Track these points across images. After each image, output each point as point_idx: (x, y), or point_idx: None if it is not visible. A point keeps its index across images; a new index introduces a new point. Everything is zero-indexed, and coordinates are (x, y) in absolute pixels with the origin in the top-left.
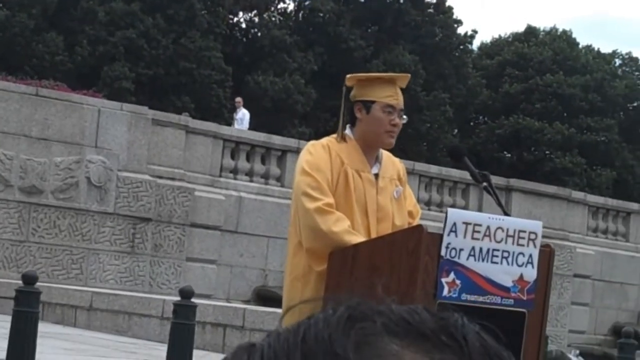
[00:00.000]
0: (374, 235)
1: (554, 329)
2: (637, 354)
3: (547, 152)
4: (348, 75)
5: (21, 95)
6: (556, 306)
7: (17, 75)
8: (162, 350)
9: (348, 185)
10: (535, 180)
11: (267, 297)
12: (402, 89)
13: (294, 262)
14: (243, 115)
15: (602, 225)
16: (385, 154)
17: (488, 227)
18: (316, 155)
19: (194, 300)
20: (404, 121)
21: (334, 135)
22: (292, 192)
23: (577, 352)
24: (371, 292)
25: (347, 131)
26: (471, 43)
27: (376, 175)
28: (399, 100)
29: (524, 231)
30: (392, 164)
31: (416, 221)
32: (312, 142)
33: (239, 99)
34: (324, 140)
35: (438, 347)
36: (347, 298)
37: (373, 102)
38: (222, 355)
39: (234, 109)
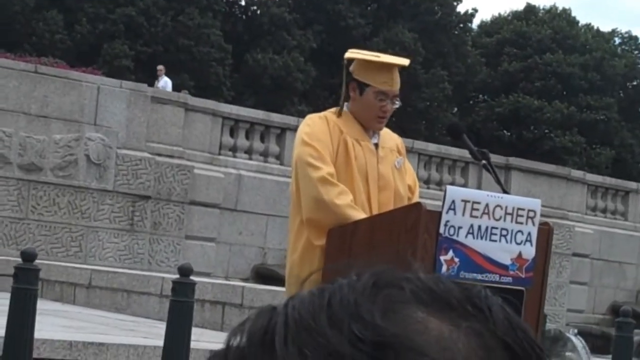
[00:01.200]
0: (375, 204)
1: (553, 308)
2: (635, 333)
3: (546, 130)
4: (348, 52)
5: (20, 73)
6: (555, 285)
7: (17, 52)
8: (161, 327)
9: (348, 154)
10: (534, 159)
11: (265, 275)
12: (401, 68)
13: (295, 239)
14: (165, 83)
15: (600, 204)
16: (382, 130)
17: (487, 205)
18: (314, 127)
19: (192, 278)
20: (397, 106)
21: (332, 110)
22: (291, 170)
23: (576, 331)
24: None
25: (344, 107)
26: (471, 21)
27: (376, 145)
28: (393, 86)
29: (523, 209)
30: (390, 137)
31: (415, 195)
32: (309, 115)
33: (160, 67)
34: (322, 113)
35: (463, 316)
36: (370, 264)
37: (367, 85)
38: (221, 333)
39: (234, 87)
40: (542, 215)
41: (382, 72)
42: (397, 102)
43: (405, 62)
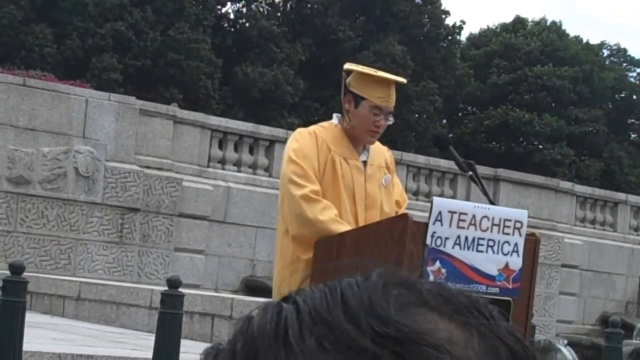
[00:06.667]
0: (361, 223)
1: (542, 319)
2: (624, 343)
3: (535, 143)
4: (347, 65)
5: (8, 85)
6: (544, 296)
7: (5, 66)
8: (150, 340)
9: (335, 172)
10: (524, 172)
11: (255, 287)
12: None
13: (282, 251)
14: None
15: (589, 215)
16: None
17: (474, 216)
18: (302, 142)
19: (181, 290)
20: (390, 122)
21: (322, 124)
22: (280, 182)
23: (565, 341)
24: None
25: (335, 120)
26: (459, 34)
27: (364, 163)
28: (389, 102)
29: (510, 220)
30: (379, 152)
31: (402, 210)
32: (299, 129)
33: None
34: (311, 127)
35: (470, 319)
36: (372, 264)
37: (363, 98)
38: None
39: (223, 100)
40: (531, 227)
41: (379, 87)
42: (390, 119)
43: (402, 80)
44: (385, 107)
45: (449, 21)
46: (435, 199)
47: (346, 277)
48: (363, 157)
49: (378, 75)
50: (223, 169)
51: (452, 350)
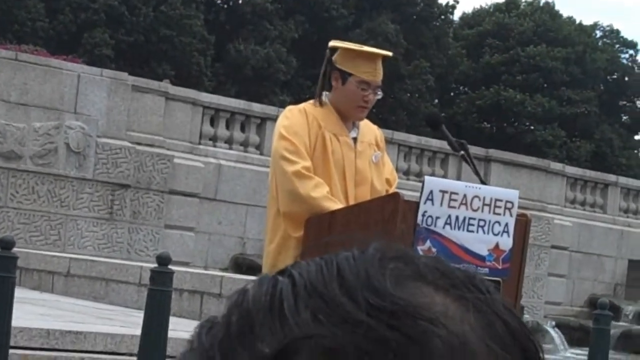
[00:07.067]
0: (351, 199)
1: (531, 300)
2: (612, 326)
3: (527, 124)
4: (332, 42)
5: (0, 60)
6: (533, 277)
7: None
8: (138, 316)
9: (326, 149)
10: (515, 152)
11: (244, 265)
12: (383, 60)
13: (272, 230)
14: None
15: (580, 196)
16: (362, 120)
17: (465, 196)
18: (293, 119)
19: (171, 267)
20: (379, 97)
21: (312, 101)
22: (270, 159)
23: (553, 323)
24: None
25: (324, 97)
26: (452, 13)
27: (354, 140)
28: (376, 77)
29: (501, 200)
30: (369, 130)
31: (393, 189)
32: (289, 107)
33: None
34: (301, 105)
35: (466, 293)
36: (369, 238)
37: (350, 74)
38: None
39: (215, 77)
40: (521, 208)
41: (366, 62)
42: (379, 93)
43: (388, 53)
44: (372, 81)
45: (442, 0)
46: (427, 178)
47: (342, 251)
48: (353, 134)
49: (364, 50)
50: (214, 146)
51: (448, 324)
